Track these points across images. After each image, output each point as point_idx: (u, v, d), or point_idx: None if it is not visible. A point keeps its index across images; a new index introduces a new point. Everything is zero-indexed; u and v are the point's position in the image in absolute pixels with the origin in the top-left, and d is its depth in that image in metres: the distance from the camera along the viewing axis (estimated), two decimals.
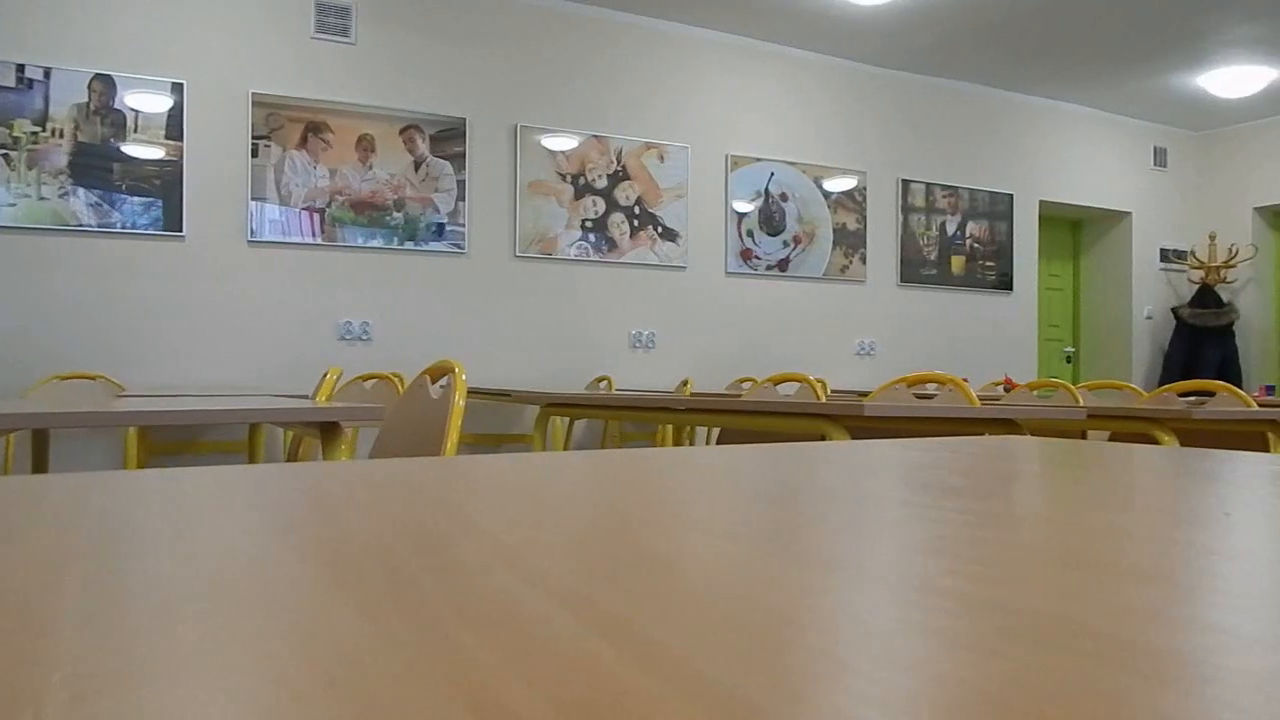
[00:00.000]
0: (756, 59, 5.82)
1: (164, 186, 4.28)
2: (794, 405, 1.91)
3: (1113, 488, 0.47)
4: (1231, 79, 6.41)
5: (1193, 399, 3.05)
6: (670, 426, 4.79)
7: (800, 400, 2.01)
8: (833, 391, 4.72)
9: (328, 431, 1.74)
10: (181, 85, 4.32)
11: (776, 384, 2.97)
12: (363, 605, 0.22)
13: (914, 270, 6.37)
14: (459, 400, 1.75)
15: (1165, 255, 7.54)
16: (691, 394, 4.16)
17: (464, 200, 4.87)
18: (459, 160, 4.87)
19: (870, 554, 0.29)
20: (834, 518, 0.36)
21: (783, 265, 5.86)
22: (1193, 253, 7.62)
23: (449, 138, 4.85)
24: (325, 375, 2.76)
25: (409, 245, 4.74)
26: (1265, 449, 2.27)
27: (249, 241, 4.42)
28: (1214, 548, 0.30)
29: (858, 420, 1.79)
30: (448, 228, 4.84)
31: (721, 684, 0.16)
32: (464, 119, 4.88)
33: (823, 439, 2.06)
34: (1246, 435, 2.31)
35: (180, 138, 4.31)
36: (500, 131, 4.99)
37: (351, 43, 4.64)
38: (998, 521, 0.36)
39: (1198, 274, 7.50)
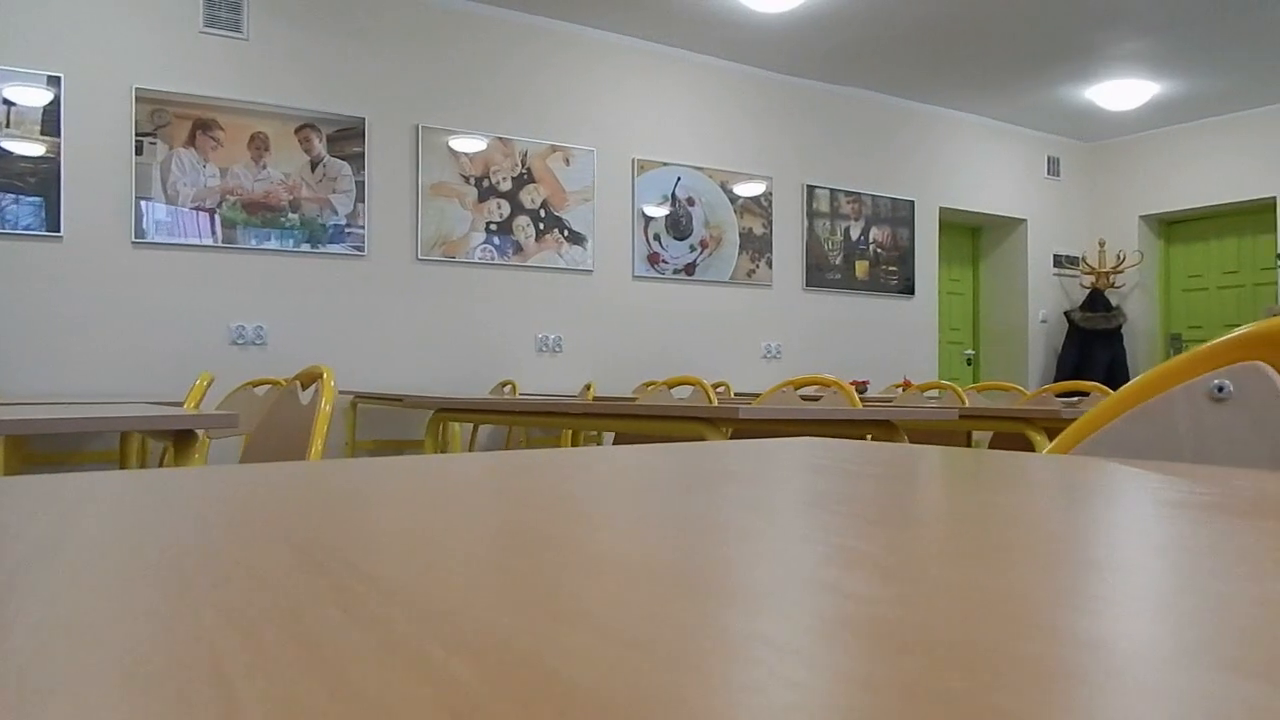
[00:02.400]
0: (664, 64, 5.84)
1: (40, 184, 4.07)
2: (672, 409, 1.91)
3: (879, 490, 0.46)
4: (1118, 92, 6.70)
5: (1070, 399, 3.17)
6: (570, 431, 4.76)
7: (681, 404, 2.01)
8: (736, 394, 4.76)
9: (182, 439, 1.67)
10: (59, 79, 4.12)
11: (671, 387, 2.98)
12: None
13: (819, 274, 6.47)
14: (325, 406, 1.70)
15: (1058, 261, 7.83)
16: (594, 398, 4.15)
17: (363, 202, 4.77)
18: (358, 161, 4.76)
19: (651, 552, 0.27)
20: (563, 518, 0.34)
21: (690, 269, 5.90)
22: (1084, 259, 7.93)
23: (347, 138, 4.73)
24: (197, 380, 2.66)
25: (305, 247, 4.61)
26: None
27: (134, 242, 4.24)
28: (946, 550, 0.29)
29: (734, 423, 1.80)
30: (347, 230, 4.72)
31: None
32: (363, 119, 4.78)
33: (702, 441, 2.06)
34: None
35: (58, 133, 4.11)
36: (401, 132, 4.90)
37: (243, 38, 4.50)
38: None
39: (1088, 279, 7.81)
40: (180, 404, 3.77)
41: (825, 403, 2.26)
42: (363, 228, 4.76)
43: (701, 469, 0.53)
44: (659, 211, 5.79)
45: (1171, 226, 7.86)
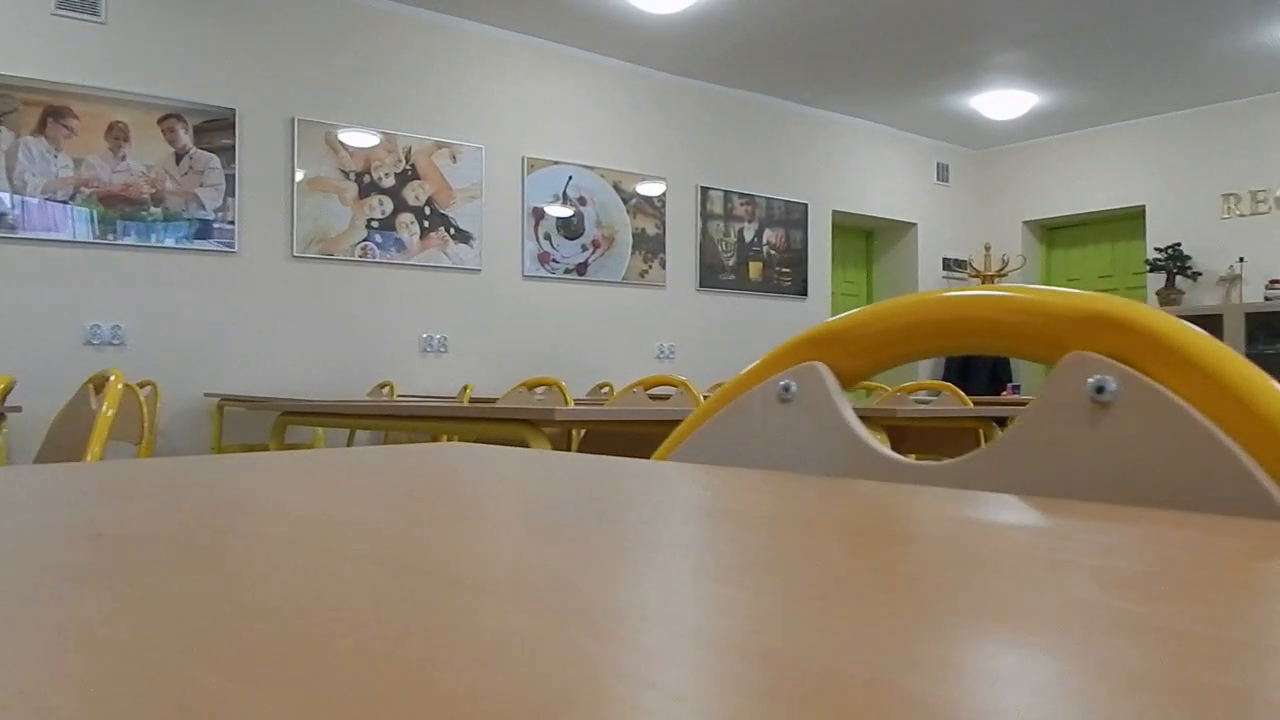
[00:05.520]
0: (556, 62, 5.78)
1: None
2: (495, 411, 1.86)
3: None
4: (1000, 102, 6.91)
5: (924, 399, 3.23)
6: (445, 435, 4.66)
7: (504, 407, 1.96)
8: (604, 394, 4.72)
9: None
10: None
11: (531, 388, 2.92)
12: None
13: (713, 275, 6.50)
14: (108, 410, 1.59)
15: (947, 264, 8.04)
16: (471, 399, 4.06)
17: (233, 196, 4.58)
18: (227, 153, 4.57)
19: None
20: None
21: (581, 269, 5.85)
22: (971, 262, 8.17)
23: (216, 129, 4.54)
24: None
25: (169, 243, 4.41)
26: (976, 444, 2.41)
27: None
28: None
29: (553, 425, 1.76)
30: (215, 225, 4.53)
31: None
32: (233, 109, 4.59)
33: (525, 444, 2.02)
34: (959, 431, 2.45)
35: None
36: (275, 124, 4.72)
37: (101, 21, 4.27)
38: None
39: (975, 281, 8.04)
40: (16, 409, 3.55)
41: (673, 402, 2.24)
42: (233, 223, 4.57)
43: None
44: (549, 210, 5.72)
45: (1052, 232, 8.15)
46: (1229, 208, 6.89)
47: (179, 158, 4.44)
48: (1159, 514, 0.39)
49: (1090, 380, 0.50)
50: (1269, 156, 6.69)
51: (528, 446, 2.12)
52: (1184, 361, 0.47)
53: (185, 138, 4.45)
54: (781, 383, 0.69)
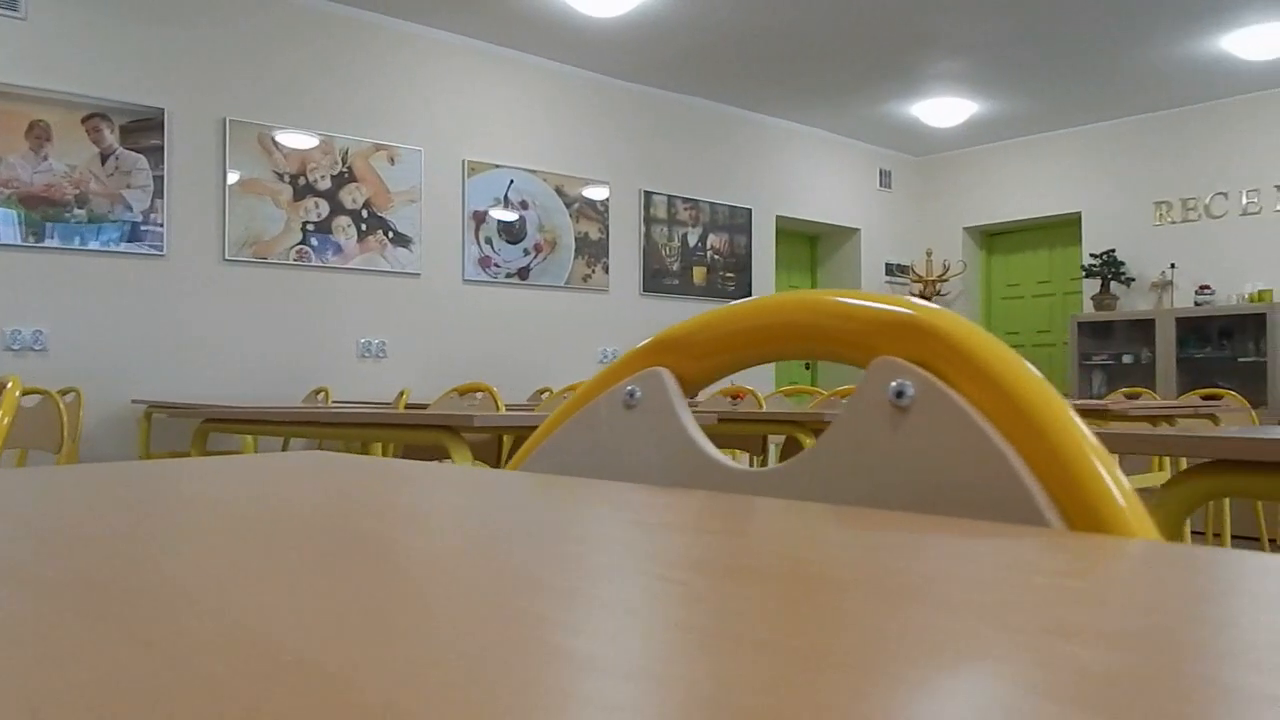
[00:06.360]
0: (497, 64, 5.74)
1: None
2: (414, 418, 1.84)
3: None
4: (940, 110, 7.01)
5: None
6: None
7: (426, 414, 1.93)
8: (526, 401, 4.70)
9: None
10: None
11: (462, 394, 2.89)
12: None
13: (657, 280, 6.50)
14: (3, 418, 1.54)
15: (890, 269, 8.14)
16: (406, 405, 4.01)
17: (162, 198, 4.47)
18: (156, 154, 4.46)
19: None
20: None
21: (523, 274, 5.82)
22: (913, 267, 8.28)
23: (143, 129, 4.43)
24: None
25: (94, 246, 4.29)
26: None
27: None
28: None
29: (474, 431, 1.74)
30: (143, 228, 4.42)
31: None
32: (162, 109, 4.49)
33: (446, 451, 1.99)
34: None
35: None
36: (206, 125, 4.63)
37: (20, 17, 4.15)
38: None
39: (917, 286, 8.15)
40: None
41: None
42: (161, 226, 4.47)
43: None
44: (491, 214, 5.68)
45: (992, 238, 8.29)
46: (1161, 215, 7.06)
47: (105, 158, 4.32)
48: (928, 519, 0.38)
49: (892, 384, 0.49)
50: (1199, 165, 6.88)
51: (448, 454, 2.10)
52: (976, 369, 0.46)
53: (111, 138, 4.34)
54: (628, 388, 0.68)
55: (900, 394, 0.49)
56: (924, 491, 0.47)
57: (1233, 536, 5.09)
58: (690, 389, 0.68)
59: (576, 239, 6.08)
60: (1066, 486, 0.40)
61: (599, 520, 0.38)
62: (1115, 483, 0.38)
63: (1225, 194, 6.75)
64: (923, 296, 7.94)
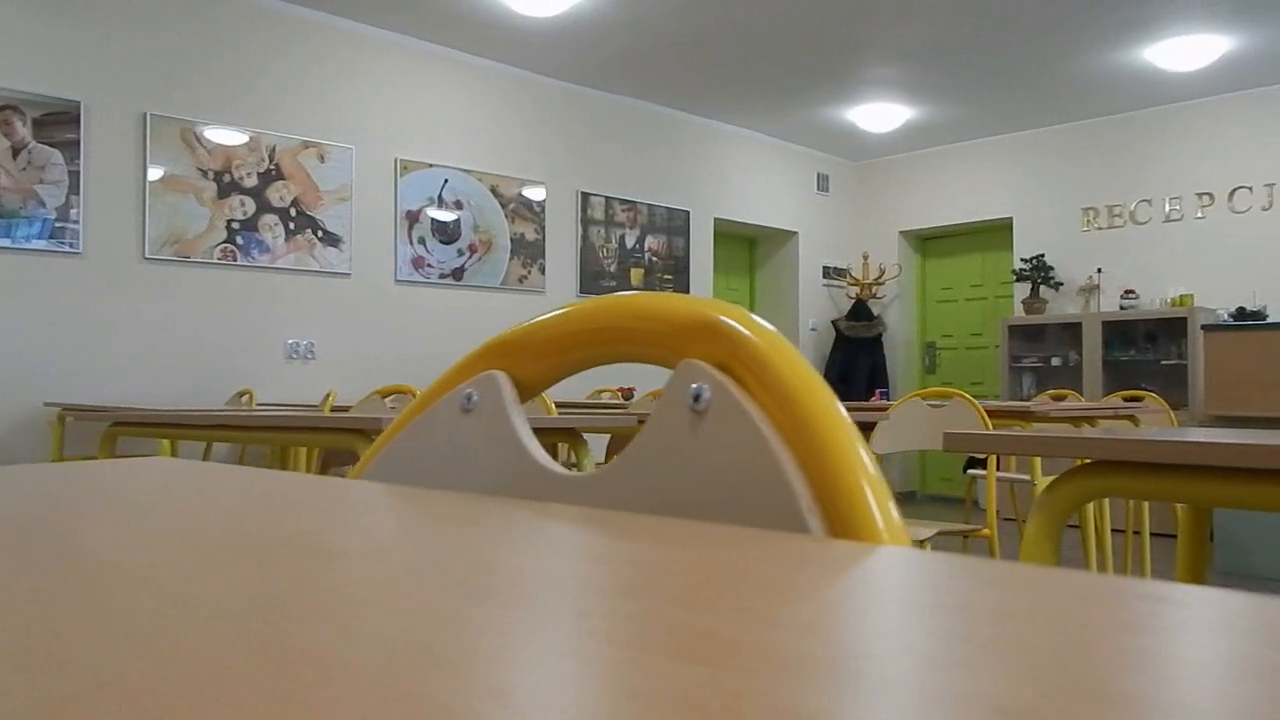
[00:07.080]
0: (430, 63, 5.67)
1: None
2: (322, 420, 1.80)
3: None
4: (875, 115, 7.10)
5: None
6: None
7: (332, 415, 1.90)
8: None
9: None
10: None
11: (384, 396, 2.85)
12: None
13: (594, 282, 6.49)
14: None
15: (827, 272, 8.23)
16: (333, 408, 3.94)
17: (78, 194, 4.34)
18: (71, 149, 4.32)
19: None
20: None
21: (458, 274, 5.75)
22: (850, 271, 8.37)
23: (58, 122, 4.29)
24: None
25: (5, 243, 4.14)
26: None
27: None
28: None
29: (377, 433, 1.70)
30: (57, 224, 4.28)
31: None
32: (78, 102, 4.35)
33: (356, 455, 1.95)
34: None
35: None
36: (125, 119, 4.49)
37: None
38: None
39: (854, 289, 8.25)
40: None
41: (529, 408, 2.20)
42: (77, 223, 4.33)
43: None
44: (424, 213, 5.61)
45: (927, 242, 8.43)
46: (1088, 221, 7.24)
47: (16, 152, 4.17)
48: (702, 528, 0.37)
49: (691, 387, 0.49)
50: (1124, 172, 7.06)
51: (359, 458, 2.06)
52: (766, 373, 0.46)
53: (23, 130, 4.19)
54: (465, 392, 0.67)
55: (697, 397, 0.48)
56: (715, 494, 0.46)
57: (1113, 530, 5.25)
58: (526, 392, 0.66)
59: (512, 239, 6.03)
60: (829, 491, 0.39)
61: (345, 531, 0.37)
62: (872, 488, 0.38)
63: (1149, 201, 6.95)
64: (860, 299, 8.04)
